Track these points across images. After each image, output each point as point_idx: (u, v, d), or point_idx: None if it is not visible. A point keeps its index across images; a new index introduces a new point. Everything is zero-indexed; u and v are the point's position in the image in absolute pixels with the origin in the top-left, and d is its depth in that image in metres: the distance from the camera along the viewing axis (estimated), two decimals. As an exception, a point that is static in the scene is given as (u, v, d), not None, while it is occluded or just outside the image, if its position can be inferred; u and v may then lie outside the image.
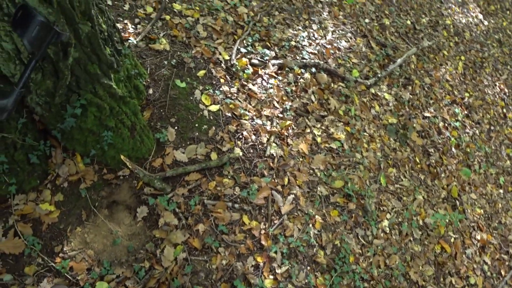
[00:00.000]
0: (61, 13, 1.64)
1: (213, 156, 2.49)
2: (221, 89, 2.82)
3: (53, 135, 2.08)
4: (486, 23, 5.72)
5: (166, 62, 2.79)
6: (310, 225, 2.59)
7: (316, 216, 2.63)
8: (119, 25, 2.93)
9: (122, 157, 2.24)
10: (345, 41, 3.83)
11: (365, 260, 2.75)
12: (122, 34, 2.91)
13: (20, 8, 1.47)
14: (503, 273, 3.54)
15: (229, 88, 2.85)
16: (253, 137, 2.68)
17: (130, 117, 2.23)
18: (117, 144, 2.20)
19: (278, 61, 3.20)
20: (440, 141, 3.75)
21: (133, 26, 3.01)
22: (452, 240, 3.34)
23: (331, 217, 2.71)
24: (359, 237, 2.78)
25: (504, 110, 4.73)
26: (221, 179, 2.43)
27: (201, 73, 2.85)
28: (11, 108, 1.58)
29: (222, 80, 2.89)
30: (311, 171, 2.80)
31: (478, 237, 3.56)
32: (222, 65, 3.00)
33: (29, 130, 1.99)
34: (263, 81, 3.05)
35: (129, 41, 2.86)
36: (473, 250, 3.44)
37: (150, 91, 2.63)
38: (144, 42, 2.92)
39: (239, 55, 3.11)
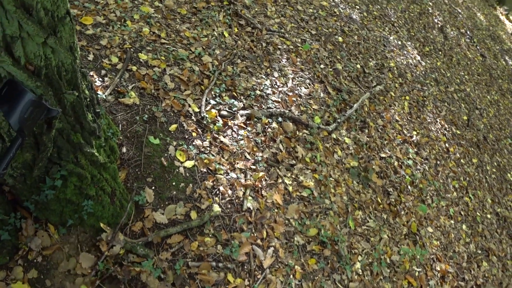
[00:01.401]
0: (48, 85, 1.58)
1: (193, 215, 2.48)
2: (194, 143, 2.83)
3: (24, 206, 1.96)
4: (423, 63, 6.25)
5: (137, 118, 2.77)
6: (291, 276, 2.63)
7: (296, 266, 2.67)
8: (85, 81, 2.87)
9: (102, 225, 2.16)
10: (305, 88, 4.01)
11: (342, 305, 2.82)
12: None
13: (6, 83, 1.40)
14: (461, 301, 3.78)
15: (202, 142, 2.87)
16: (230, 191, 2.71)
17: (110, 183, 2.17)
18: (97, 212, 2.13)
19: (246, 112, 3.28)
20: (397, 180, 3.99)
21: (100, 79, 2.96)
22: (417, 273, 3.52)
23: (309, 266, 2.76)
24: (336, 282, 2.86)
25: (447, 145, 5.14)
26: (203, 238, 2.42)
27: (173, 127, 2.85)
28: (-9, 190, 1.48)
29: (194, 134, 2.90)
30: (287, 221, 2.86)
31: (438, 268, 3.78)
32: (193, 117, 3.02)
33: (-1, 204, 1.87)
34: (233, 133, 3.10)
35: (98, 95, 2.80)
36: (435, 281, 3.65)
37: (124, 149, 2.58)
38: (113, 96, 2.87)
39: (208, 107, 3.15)
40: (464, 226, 4.40)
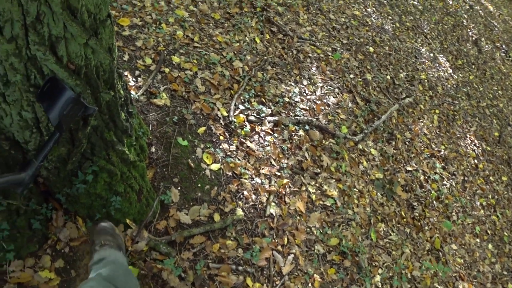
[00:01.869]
0: (87, 84, 1.64)
1: (216, 217, 2.51)
2: (221, 147, 2.87)
3: (55, 198, 2.04)
4: (455, 76, 6.13)
5: (167, 119, 2.83)
6: (310, 284, 2.62)
7: (315, 275, 2.67)
8: (119, 80, 2.96)
9: (128, 221, 2.22)
10: (333, 97, 4.00)
11: (360, 318, 2.80)
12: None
13: (48, 80, 1.47)
14: (483, 323, 3.68)
15: (229, 146, 2.91)
16: (253, 196, 2.73)
17: (138, 180, 2.24)
18: (124, 209, 2.19)
19: (273, 118, 3.31)
20: (422, 194, 3.93)
21: (134, 79, 3.04)
22: (437, 292, 3.46)
23: (328, 275, 2.76)
24: (354, 295, 2.84)
25: (476, 161, 5.02)
26: (224, 241, 2.45)
27: (201, 130, 2.90)
28: (28, 182, 1.54)
29: (221, 138, 2.95)
30: (308, 229, 2.86)
31: (461, 286, 3.69)
32: (221, 121, 3.06)
33: (33, 194, 1.95)
34: (260, 138, 3.13)
35: (131, 94, 2.89)
36: (457, 302, 3.57)
37: (153, 149, 2.64)
38: (145, 96, 2.95)
39: (237, 111, 3.20)
40: (490, 246, 4.28)
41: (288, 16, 4.73)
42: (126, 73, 3.07)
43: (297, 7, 4.99)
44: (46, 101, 1.50)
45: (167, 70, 3.27)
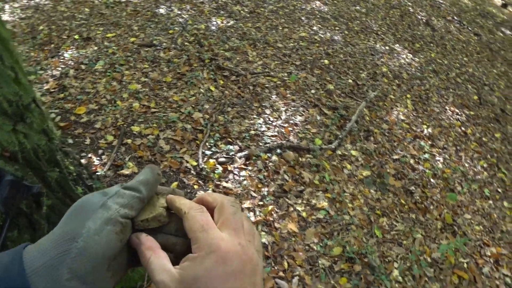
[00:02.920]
0: (27, 166, 1.72)
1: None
2: (196, 195, 2.90)
3: None
4: (417, 59, 6.25)
5: (140, 188, 2.89)
6: (324, 301, 2.56)
7: (327, 289, 2.61)
8: (84, 161, 3.06)
9: (120, 294, 2.22)
10: (299, 115, 4.08)
11: (389, 317, 2.69)
12: (89, 168, 3.03)
13: None
14: (526, 282, 3.50)
15: (205, 192, 2.95)
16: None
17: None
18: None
19: (243, 153, 3.37)
20: (417, 177, 3.89)
21: (98, 158, 3.15)
22: (465, 265, 3.33)
23: (341, 286, 2.69)
24: (376, 296, 2.75)
25: (463, 128, 5.00)
26: None
27: (173, 185, 2.95)
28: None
29: (196, 186, 2.99)
30: (307, 247, 2.83)
31: (489, 253, 3.56)
32: (192, 171, 3.12)
33: None
34: (235, 176, 3.18)
35: (97, 173, 2.98)
36: (489, 267, 3.42)
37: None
38: (112, 170, 3.04)
39: (205, 158, 3.27)
40: (505, 203, 4.17)
41: (238, 58, 4.93)
42: (90, 155, 3.19)
43: (244, 47, 5.20)
44: None
45: (129, 141, 3.39)
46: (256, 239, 0.50)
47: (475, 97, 5.85)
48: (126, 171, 2.94)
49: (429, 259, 3.22)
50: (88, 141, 3.24)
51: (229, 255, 0.43)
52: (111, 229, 0.45)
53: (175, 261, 0.47)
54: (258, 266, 0.46)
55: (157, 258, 0.46)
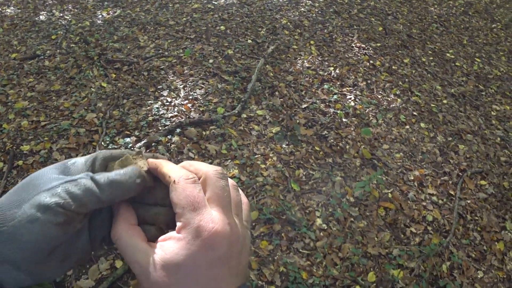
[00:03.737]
0: None
1: (118, 263, 2.33)
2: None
3: None
4: (317, 4, 6.16)
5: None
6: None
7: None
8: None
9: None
10: (199, 89, 3.89)
11: (318, 267, 2.64)
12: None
13: None
14: (452, 192, 3.58)
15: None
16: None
17: None
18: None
19: (142, 142, 3.16)
20: (328, 120, 3.84)
21: (-13, 193, 2.85)
22: (390, 195, 3.34)
23: (263, 250, 2.59)
24: (300, 250, 2.68)
25: (371, 61, 5.00)
26: (135, 280, 2.26)
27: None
28: None
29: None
30: (221, 220, 2.70)
31: (412, 177, 3.60)
32: (89, 178, 2.89)
33: None
34: (136, 168, 2.97)
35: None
36: (414, 191, 3.46)
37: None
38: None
39: (101, 160, 3.03)
40: (422, 124, 4.22)
41: (128, 47, 4.63)
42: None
43: (134, 33, 4.90)
44: None
45: (20, 162, 3.11)
46: (244, 209, 0.46)
47: (380, 28, 5.87)
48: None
49: (352, 199, 3.20)
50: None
51: (218, 240, 0.39)
52: (49, 219, 0.38)
53: (156, 234, 0.42)
54: (245, 241, 0.43)
55: (130, 235, 0.41)
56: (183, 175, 0.42)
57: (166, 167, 0.44)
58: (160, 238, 0.40)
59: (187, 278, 0.38)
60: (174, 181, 0.41)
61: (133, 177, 0.42)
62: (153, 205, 0.44)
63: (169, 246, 0.39)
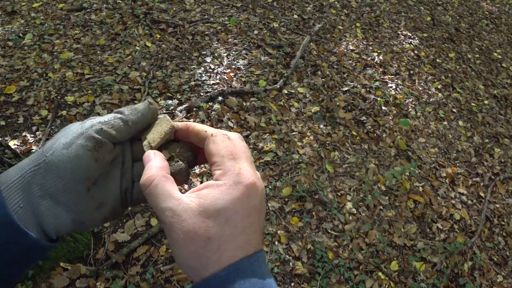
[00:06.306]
0: None
1: (153, 221, 2.43)
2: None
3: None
4: (366, -15, 6.00)
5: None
6: (276, 242, 2.53)
7: (278, 231, 2.58)
8: (16, 141, 2.88)
9: (62, 264, 2.14)
10: (242, 59, 3.90)
11: (344, 249, 2.70)
12: (24, 147, 2.87)
13: None
14: (482, 194, 3.56)
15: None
16: (186, 186, 2.64)
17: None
18: (51, 254, 2.11)
19: (184, 106, 3.21)
20: (368, 106, 3.82)
21: (32, 135, 2.97)
22: (421, 189, 3.35)
23: (293, 226, 2.66)
24: (329, 230, 2.74)
25: (416, 52, 4.90)
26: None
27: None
28: None
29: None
30: (255, 191, 2.77)
31: (444, 174, 3.58)
32: (132, 133, 2.97)
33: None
34: (177, 130, 3.04)
35: (32, 151, 2.81)
36: (445, 188, 3.46)
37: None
38: (47, 146, 2.87)
39: (144, 118, 3.10)
40: (460, 122, 4.17)
41: (174, 8, 4.63)
42: (24, 133, 3.00)
43: (181, -5, 4.88)
44: None
45: (64, 112, 3.20)
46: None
47: (428, 18, 5.71)
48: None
49: (383, 188, 3.22)
50: (21, 119, 3.05)
51: (253, 189, 0.41)
52: (82, 143, 0.42)
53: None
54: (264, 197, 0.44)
55: (164, 181, 0.41)
56: (218, 130, 0.45)
57: (199, 125, 0.47)
58: (193, 189, 0.42)
59: (227, 223, 0.39)
60: (212, 134, 0.44)
61: (147, 103, 0.48)
62: (176, 160, 0.48)
63: (208, 193, 0.40)
